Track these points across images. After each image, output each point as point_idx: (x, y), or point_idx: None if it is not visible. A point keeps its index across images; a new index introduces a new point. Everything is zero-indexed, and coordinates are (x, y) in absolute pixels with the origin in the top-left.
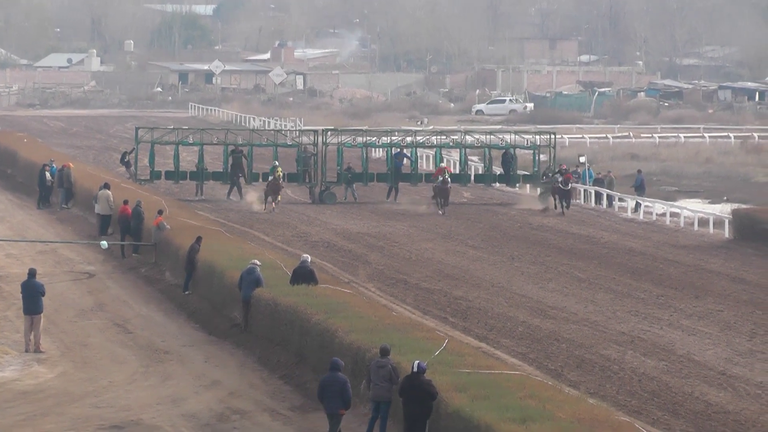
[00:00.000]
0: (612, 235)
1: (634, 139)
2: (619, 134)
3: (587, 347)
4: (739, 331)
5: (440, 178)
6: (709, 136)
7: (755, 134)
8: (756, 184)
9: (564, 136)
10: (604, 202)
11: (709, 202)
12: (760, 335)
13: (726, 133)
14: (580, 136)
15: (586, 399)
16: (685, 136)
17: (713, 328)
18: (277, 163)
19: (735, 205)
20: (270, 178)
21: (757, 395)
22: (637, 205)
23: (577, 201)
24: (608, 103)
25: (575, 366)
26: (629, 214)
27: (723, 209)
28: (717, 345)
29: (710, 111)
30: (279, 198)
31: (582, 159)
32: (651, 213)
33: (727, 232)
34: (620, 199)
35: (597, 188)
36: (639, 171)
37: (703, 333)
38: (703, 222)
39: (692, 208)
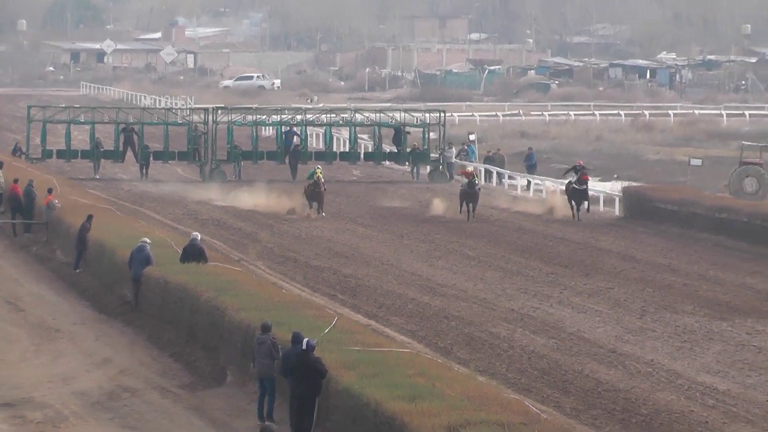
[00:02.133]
0: (502, 213)
1: (524, 117)
2: (509, 112)
3: (477, 325)
4: (630, 308)
5: (467, 181)
6: (600, 114)
7: (646, 112)
8: (646, 161)
9: (454, 113)
10: (495, 179)
11: (600, 180)
12: (650, 313)
13: (617, 111)
14: (470, 113)
15: (475, 377)
16: (575, 114)
17: (603, 306)
18: (319, 167)
19: (625, 183)
20: (309, 181)
21: (648, 373)
22: (528, 182)
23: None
24: (498, 81)
25: (465, 344)
26: (519, 192)
27: (613, 187)
28: (607, 323)
29: (600, 89)
30: (323, 207)
31: (472, 137)
32: (542, 190)
33: (617, 210)
34: (510, 177)
35: (487, 166)
36: (530, 149)
37: (593, 311)
38: (593, 200)
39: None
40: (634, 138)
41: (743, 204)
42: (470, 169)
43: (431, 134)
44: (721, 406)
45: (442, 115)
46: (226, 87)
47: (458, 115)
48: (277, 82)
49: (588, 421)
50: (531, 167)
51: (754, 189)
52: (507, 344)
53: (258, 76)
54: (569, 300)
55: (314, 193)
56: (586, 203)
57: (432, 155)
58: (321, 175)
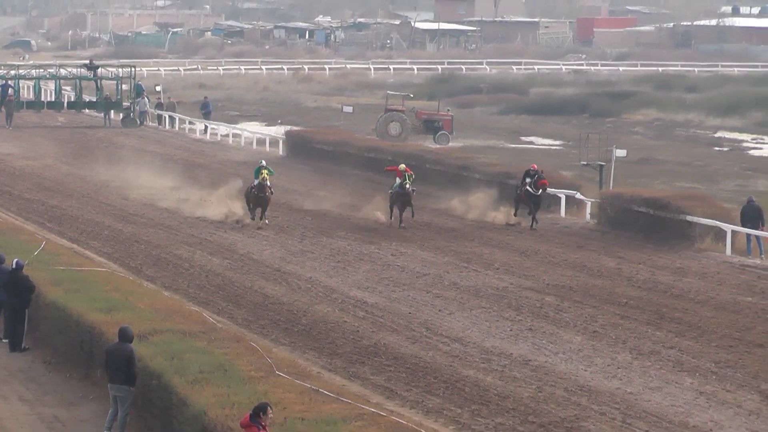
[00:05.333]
0: (183, 153)
1: (202, 71)
2: (190, 67)
3: (163, 248)
4: (292, 234)
5: (398, 181)
6: (266, 68)
7: (305, 66)
8: (306, 108)
9: (143, 69)
10: (177, 124)
11: (266, 125)
12: (309, 237)
13: (281, 66)
14: (157, 68)
15: (162, 292)
16: (245, 68)
17: (270, 231)
18: (263, 162)
19: (288, 127)
20: (255, 183)
21: (307, 288)
22: (206, 127)
23: (154, 123)
24: (180, 41)
25: (152, 263)
26: (198, 135)
27: (278, 130)
28: (273, 246)
29: (267, 47)
30: (267, 213)
31: (158, 88)
32: (217, 134)
33: (281, 150)
34: (191, 122)
35: (163, 112)
36: (206, 97)
37: (261, 236)
38: (260, 141)
39: (252, 129)
40: (296, 88)
41: (388, 145)
42: (402, 166)
43: (123, 86)
44: (370, 317)
45: (133, 69)
46: None
47: (146, 70)
48: None
49: (257, 330)
50: (207, 114)
51: (397, 132)
52: (188, 264)
53: None
54: (240, 226)
55: (258, 198)
56: (536, 210)
57: (124, 104)
58: (268, 177)
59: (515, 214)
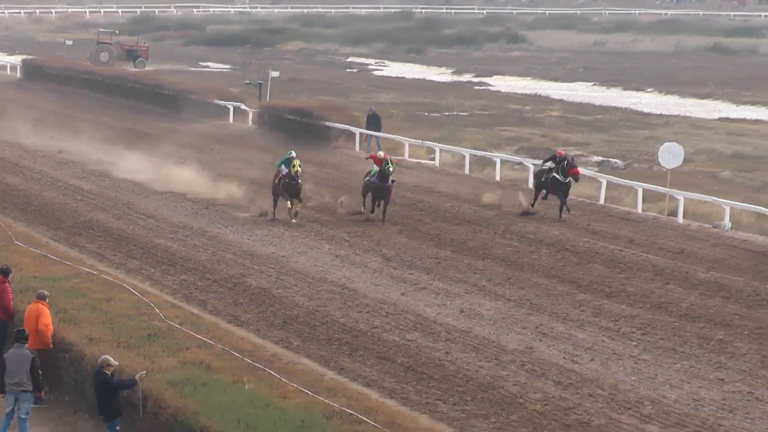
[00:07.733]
0: None
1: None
2: None
3: None
4: (26, 136)
5: (375, 170)
6: (7, 12)
7: (37, 10)
8: (38, 42)
9: None
10: None
11: (7, 54)
12: (41, 141)
13: (18, 10)
14: None
15: None
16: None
17: (6, 134)
18: (293, 153)
19: (24, 56)
20: (283, 171)
21: (38, 179)
22: None
23: None
24: None
25: None
26: None
27: (16, 59)
28: (13, 147)
29: None
30: (299, 205)
31: None
32: None
33: (19, 73)
34: None
35: None
36: None
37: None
38: (2, 67)
39: None
40: (30, 28)
41: (100, 69)
42: (381, 153)
43: None
44: (86, 200)
45: None
46: None
47: None
48: None
49: (0, 210)
50: None
51: (106, 59)
52: None
53: None
54: (15, 127)
55: (289, 186)
56: (565, 198)
57: None
58: (300, 168)
59: (533, 205)
